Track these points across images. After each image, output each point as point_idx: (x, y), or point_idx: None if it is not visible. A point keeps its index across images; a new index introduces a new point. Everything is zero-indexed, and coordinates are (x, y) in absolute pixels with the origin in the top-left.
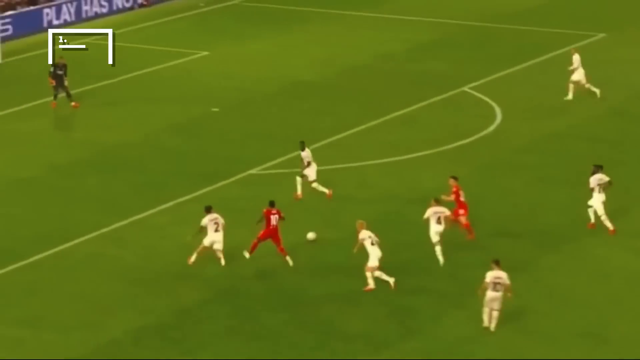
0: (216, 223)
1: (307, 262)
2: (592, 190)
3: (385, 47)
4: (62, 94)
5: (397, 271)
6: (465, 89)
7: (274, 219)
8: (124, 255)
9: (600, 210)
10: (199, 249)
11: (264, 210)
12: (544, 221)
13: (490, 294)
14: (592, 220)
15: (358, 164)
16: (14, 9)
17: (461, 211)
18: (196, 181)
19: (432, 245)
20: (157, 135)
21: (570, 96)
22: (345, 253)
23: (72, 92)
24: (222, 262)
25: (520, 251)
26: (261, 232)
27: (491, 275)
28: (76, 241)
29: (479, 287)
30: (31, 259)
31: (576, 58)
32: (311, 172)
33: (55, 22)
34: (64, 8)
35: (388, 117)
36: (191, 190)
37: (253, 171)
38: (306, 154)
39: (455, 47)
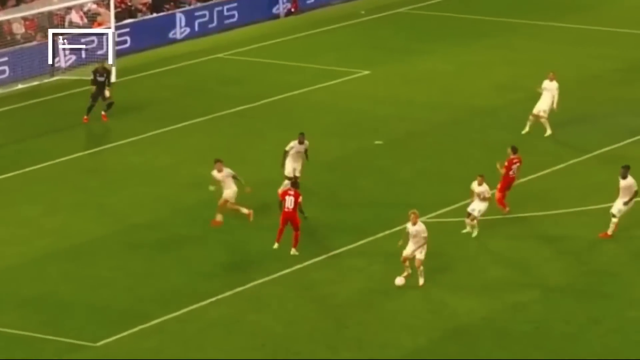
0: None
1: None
2: None
3: (587, 67)
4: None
5: None
6: None
7: (289, 200)
8: (263, 320)
9: None
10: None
11: (280, 191)
12: None
13: None
14: None
15: (554, 211)
16: (134, 16)
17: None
18: (352, 231)
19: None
20: (305, 172)
21: (527, 129)
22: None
23: (203, 118)
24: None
25: None
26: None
27: None
28: (205, 302)
29: None
30: (153, 322)
31: (548, 84)
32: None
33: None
34: (195, 15)
35: (591, 154)
36: (347, 242)
37: (425, 219)
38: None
39: None
